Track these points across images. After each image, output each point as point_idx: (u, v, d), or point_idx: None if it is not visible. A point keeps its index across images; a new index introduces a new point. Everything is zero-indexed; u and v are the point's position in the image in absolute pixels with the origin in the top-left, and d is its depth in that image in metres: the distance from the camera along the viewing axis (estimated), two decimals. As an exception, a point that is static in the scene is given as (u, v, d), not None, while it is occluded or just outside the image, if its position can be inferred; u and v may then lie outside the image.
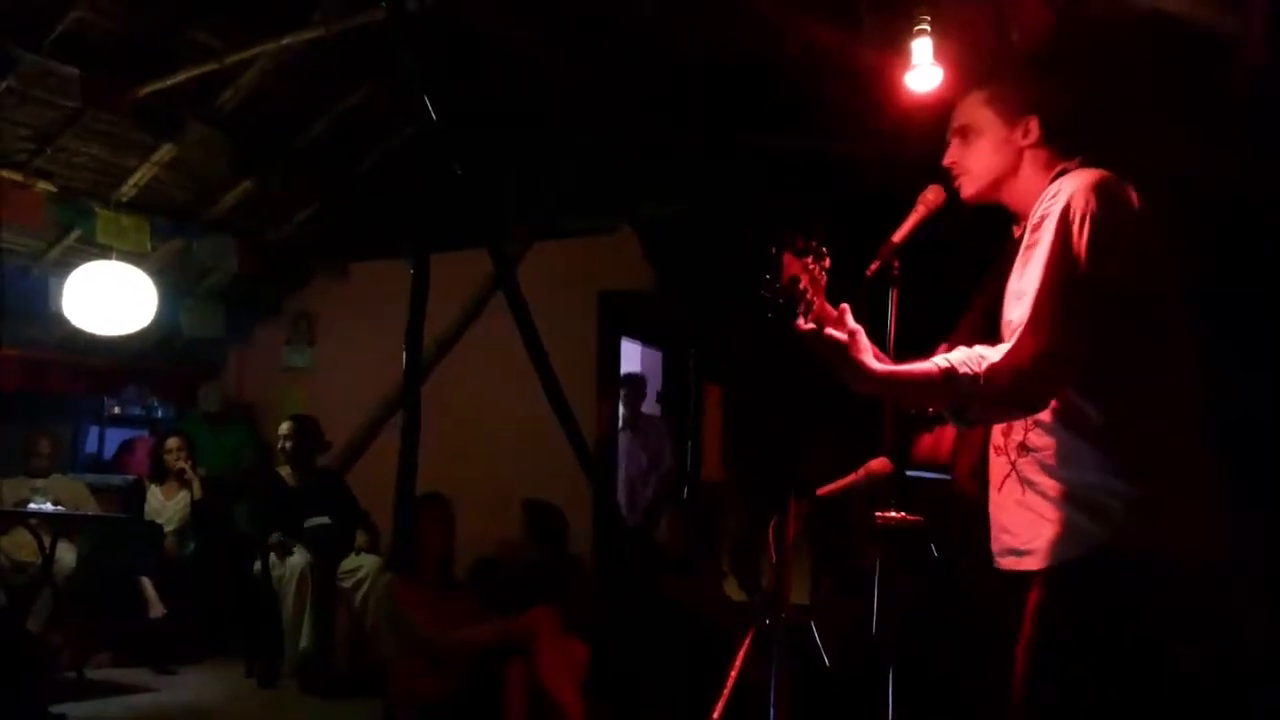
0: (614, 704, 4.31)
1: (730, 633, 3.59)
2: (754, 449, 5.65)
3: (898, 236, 2.19)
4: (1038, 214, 1.87)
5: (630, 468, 6.65)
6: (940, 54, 3.49)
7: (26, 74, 4.93)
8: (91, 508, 6.08)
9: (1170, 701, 1.76)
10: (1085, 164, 1.95)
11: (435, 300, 5.01)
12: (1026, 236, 1.88)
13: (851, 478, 2.62)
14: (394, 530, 4.80)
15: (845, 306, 1.85)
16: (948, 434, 2.26)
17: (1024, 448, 1.88)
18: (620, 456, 6.64)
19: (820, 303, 1.87)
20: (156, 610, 5.73)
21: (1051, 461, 1.84)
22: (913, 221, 2.21)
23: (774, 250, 1.82)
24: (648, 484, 6.59)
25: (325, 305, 7.36)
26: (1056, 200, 1.83)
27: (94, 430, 7.81)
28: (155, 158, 5.77)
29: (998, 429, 1.96)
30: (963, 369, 1.84)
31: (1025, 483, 1.87)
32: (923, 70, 3.50)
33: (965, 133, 2.06)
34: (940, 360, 1.87)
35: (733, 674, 2.57)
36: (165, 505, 6.26)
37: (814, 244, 1.87)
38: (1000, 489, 1.93)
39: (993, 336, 1.98)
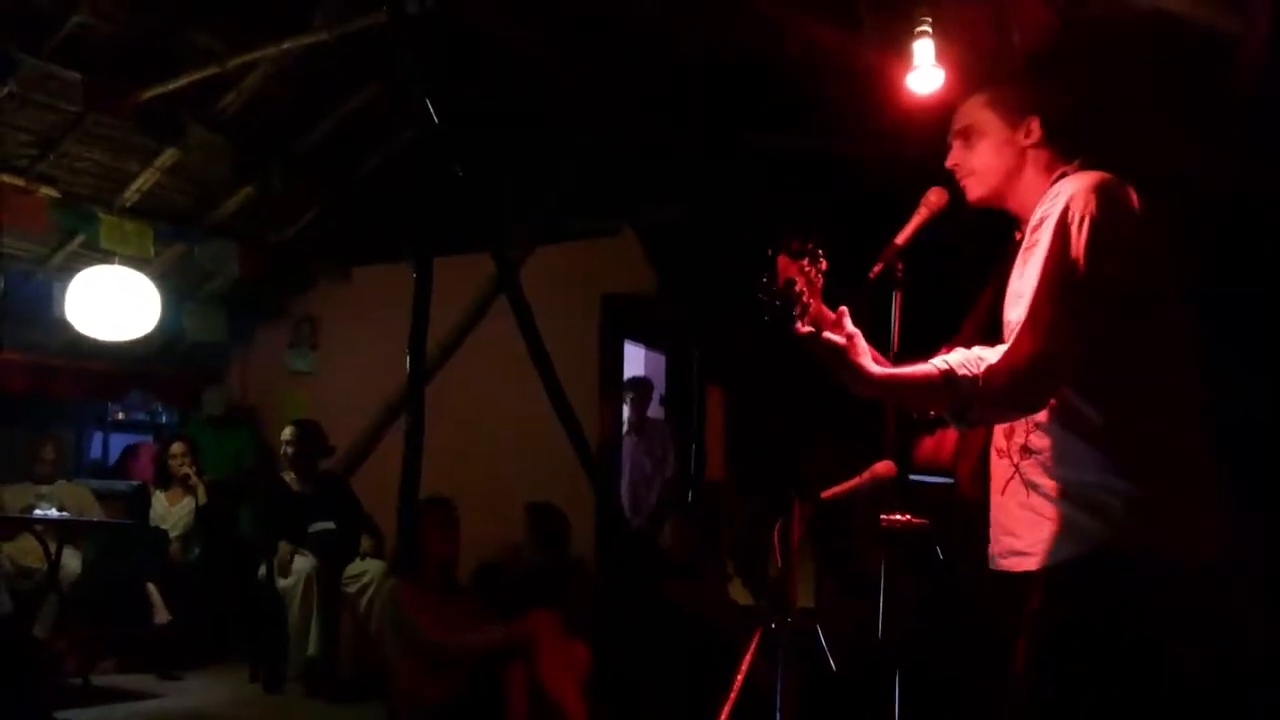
0: (616, 707, 4.31)
1: (733, 636, 3.59)
2: (756, 451, 5.65)
3: (900, 239, 2.19)
4: (1038, 216, 1.87)
5: (634, 471, 6.65)
6: (941, 55, 3.48)
7: (28, 78, 4.94)
8: (96, 513, 6.08)
9: (1170, 701, 1.76)
10: (1085, 166, 1.95)
11: (438, 304, 5.02)
12: (1026, 238, 1.88)
13: (856, 481, 2.62)
14: (398, 534, 4.80)
15: (844, 309, 1.85)
16: (949, 437, 2.26)
17: (1026, 450, 1.88)
18: (625, 459, 6.64)
19: (817, 305, 1.87)
20: (161, 616, 5.73)
21: (1052, 462, 1.84)
22: (915, 224, 2.21)
23: (770, 253, 1.82)
24: (651, 488, 6.59)
25: (328, 309, 7.37)
26: (1056, 202, 1.83)
27: (98, 435, 7.82)
28: (157, 162, 5.78)
29: (1000, 432, 1.96)
30: (961, 371, 1.85)
31: (1028, 485, 1.87)
32: (924, 71, 3.50)
33: (967, 135, 2.06)
34: (939, 362, 1.87)
35: (739, 677, 2.57)
36: (170, 511, 6.26)
37: (810, 246, 1.87)
38: (1003, 492, 1.93)
39: (995, 338, 1.98)
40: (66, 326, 5.88)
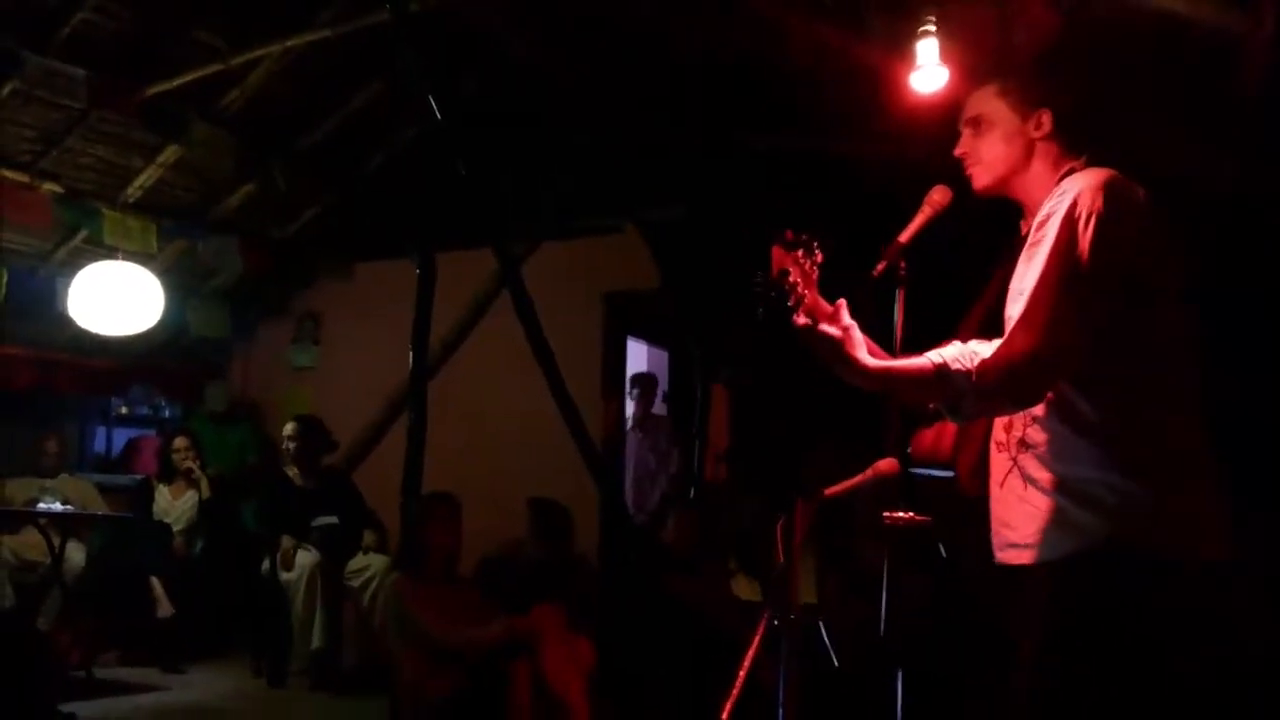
0: (619, 702, 4.32)
1: (736, 632, 3.60)
2: (759, 448, 5.66)
3: (904, 237, 2.20)
4: (1044, 212, 1.87)
5: (639, 467, 6.67)
6: (945, 55, 3.49)
7: (33, 75, 4.96)
8: (100, 507, 6.10)
9: (1171, 699, 1.76)
10: (1092, 162, 1.95)
11: (441, 300, 5.04)
12: (1032, 234, 1.89)
13: (859, 478, 2.63)
14: (401, 529, 4.81)
15: (841, 302, 1.86)
16: (948, 431, 2.27)
17: (1024, 444, 1.89)
18: (629, 455, 6.65)
19: (813, 297, 1.87)
20: (165, 609, 5.75)
21: (1049, 457, 1.85)
22: (919, 222, 2.22)
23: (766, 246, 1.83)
24: (655, 484, 6.61)
25: (331, 305, 7.38)
26: (1063, 199, 1.84)
27: (101, 430, 7.83)
28: (161, 158, 5.79)
29: (999, 426, 1.97)
30: (955, 365, 1.86)
31: (1027, 479, 1.88)
32: (928, 71, 3.50)
33: (977, 123, 2.06)
34: (934, 356, 1.88)
35: (741, 673, 2.59)
36: (173, 505, 6.28)
37: (804, 238, 1.87)
38: (1002, 485, 1.94)
39: (996, 334, 1.99)
40: (70, 322, 5.90)
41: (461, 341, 6.61)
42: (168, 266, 6.42)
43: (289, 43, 5.00)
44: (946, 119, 2.17)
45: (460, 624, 4.19)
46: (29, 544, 5.58)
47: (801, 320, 1.76)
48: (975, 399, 1.83)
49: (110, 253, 5.93)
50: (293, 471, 6.04)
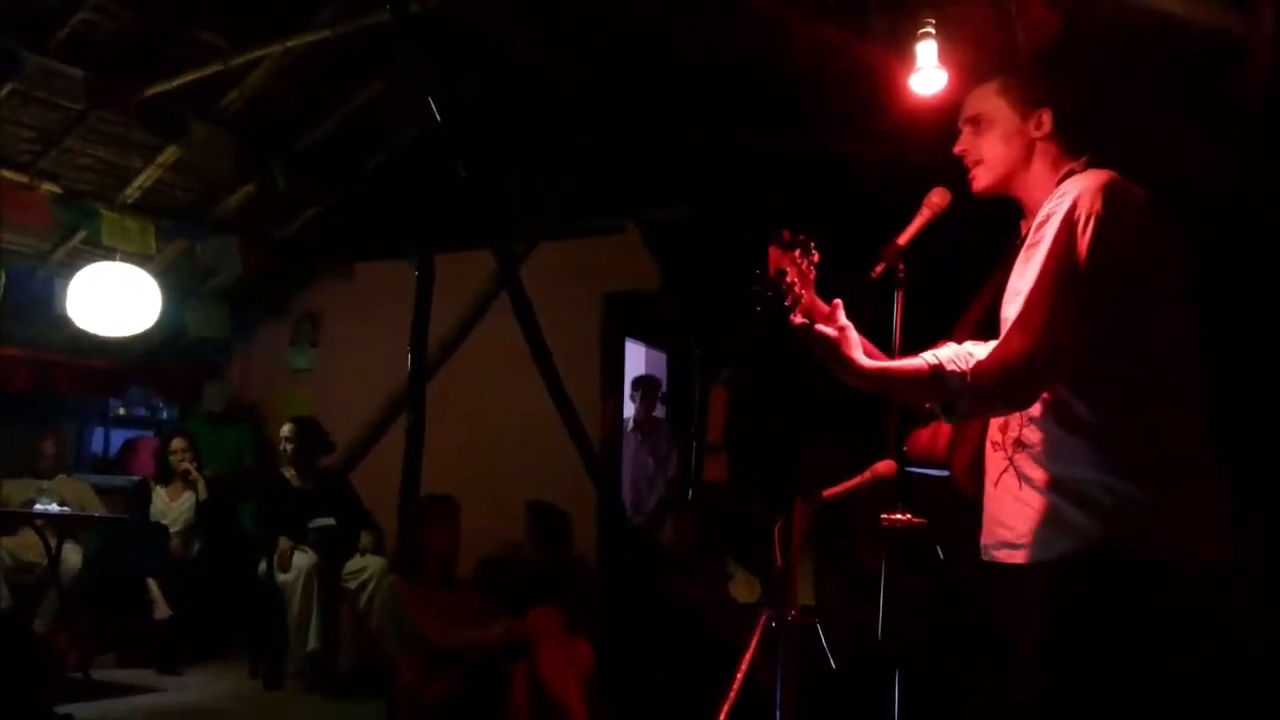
0: (618, 705, 4.32)
1: (734, 634, 3.59)
2: (758, 448, 5.66)
3: (903, 239, 2.20)
4: (1043, 213, 1.87)
5: (637, 469, 6.67)
6: (945, 56, 3.49)
7: (32, 75, 4.95)
8: (97, 509, 6.09)
9: (1169, 700, 1.76)
10: (1092, 163, 1.95)
11: (440, 300, 5.05)
12: (1030, 235, 1.88)
13: (857, 480, 2.63)
14: (399, 531, 4.81)
15: (838, 302, 1.86)
16: (944, 430, 2.26)
17: (1020, 444, 1.89)
18: (629, 457, 6.65)
19: (810, 297, 1.87)
20: (162, 611, 5.74)
21: (1045, 457, 1.85)
22: (918, 224, 2.21)
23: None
24: (653, 487, 6.60)
25: (329, 306, 7.37)
26: (1063, 200, 1.83)
27: (99, 431, 7.82)
28: (160, 159, 5.79)
29: (995, 426, 1.97)
30: (950, 366, 1.86)
31: (1022, 478, 1.88)
32: (927, 72, 3.50)
33: (977, 122, 2.06)
34: (929, 357, 1.88)
35: (739, 675, 2.58)
36: (170, 506, 6.27)
37: (801, 238, 1.87)
38: (997, 484, 1.94)
39: (993, 335, 1.99)
40: (68, 322, 5.89)
41: (460, 342, 6.61)
42: (166, 267, 6.42)
43: (289, 43, 5.00)
44: (947, 120, 2.17)
45: (458, 626, 4.18)
46: (26, 545, 5.57)
47: (798, 320, 1.76)
48: (970, 399, 1.83)
49: (108, 253, 5.93)
50: (290, 473, 6.03)
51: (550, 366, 4.73)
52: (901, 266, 2.20)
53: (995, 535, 1.94)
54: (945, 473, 2.18)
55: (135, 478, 6.69)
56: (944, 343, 1.99)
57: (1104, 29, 3.38)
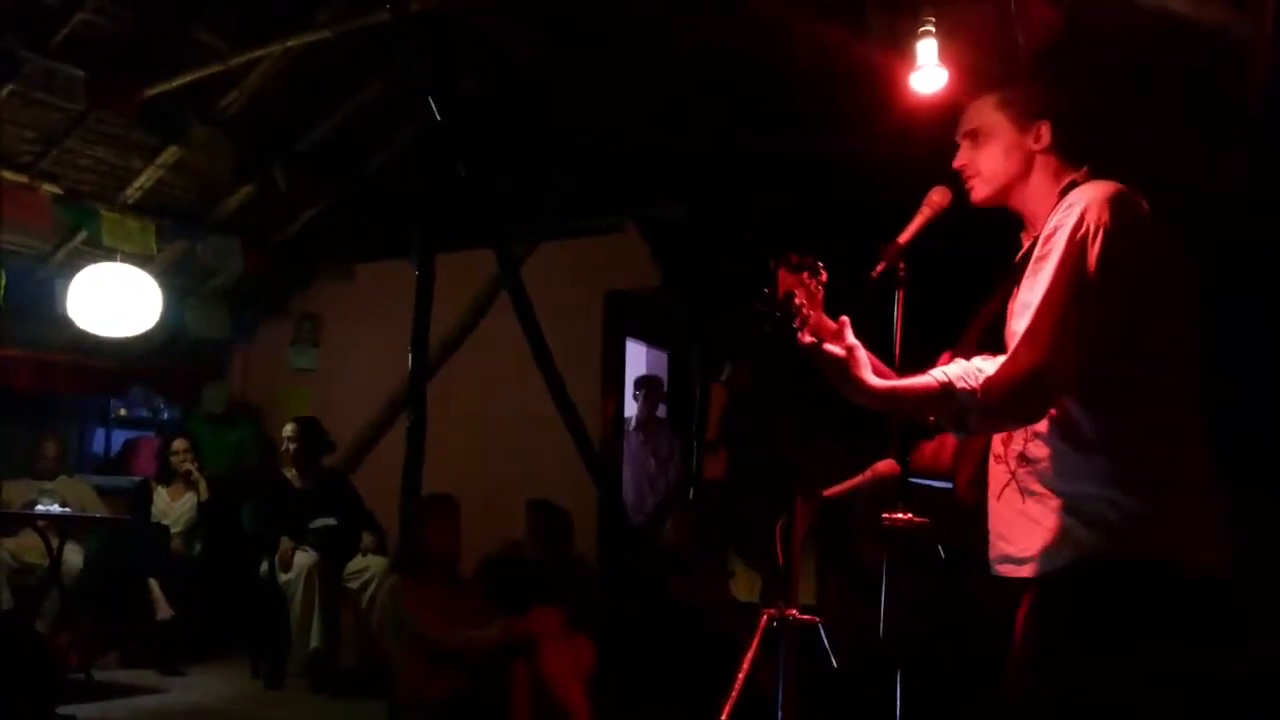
0: (619, 704, 4.32)
1: (734, 633, 3.59)
2: (755, 447, 5.66)
3: (903, 238, 2.19)
4: (1050, 225, 1.86)
5: (639, 469, 6.67)
6: (946, 55, 3.48)
7: (32, 76, 4.95)
8: (98, 509, 6.09)
9: (1169, 705, 1.76)
10: (1093, 173, 1.95)
11: (440, 300, 5.04)
12: (1038, 248, 1.87)
13: (858, 479, 2.62)
14: (400, 531, 4.81)
15: (845, 319, 1.86)
16: (949, 442, 2.26)
17: (1023, 458, 1.89)
18: (631, 456, 6.65)
19: (818, 316, 1.88)
20: (163, 611, 5.74)
21: (1050, 472, 1.85)
22: (918, 223, 2.21)
23: (770, 266, 1.83)
24: (655, 487, 6.60)
25: (330, 306, 7.37)
26: (1070, 213, 1.83)
27: (100, 432, 7.83)
28: (160, 159, 5.79)
29: (997, 439, 1.97)
30: (960, 384, 1.86)
31: (1024, 492, 1.88)
32: (927, 71, 3.50)
33: (976, 135, 2.05)
34: (939, 374, 1.88)
35: (740, 674, 2.58)
36: (172, 506, 6.28)
37: (810, 259, 1.88)
38: (999, 497, 1.94)
39: (998, 347, 1.99)
40: (68, 323, 5.89)
41: (461, 342, 6.61)
42: (166, 267, 6.42)
43: (288, 43, 5.00)
44: (948, 119, 2.16)
45: (459, 626, 4.18)
46: (27, 546, 5.57)
47: (807, 340, 1.77)
48: (980, 416, 1.84)
49: (109, 254, 5.92)
50: (291, 473, 6.03)
51: (551, 366, 4.74)
52: (902, 265, 2.20)
53: (998, 549, 1.94)
54: (948, 484, 2.18)
55: (136, 478, 6.69)
56: (947, 355, 1.99)
57: (1104, 28, 3.38)
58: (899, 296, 2.23)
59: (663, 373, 7.46)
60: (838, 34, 3.84)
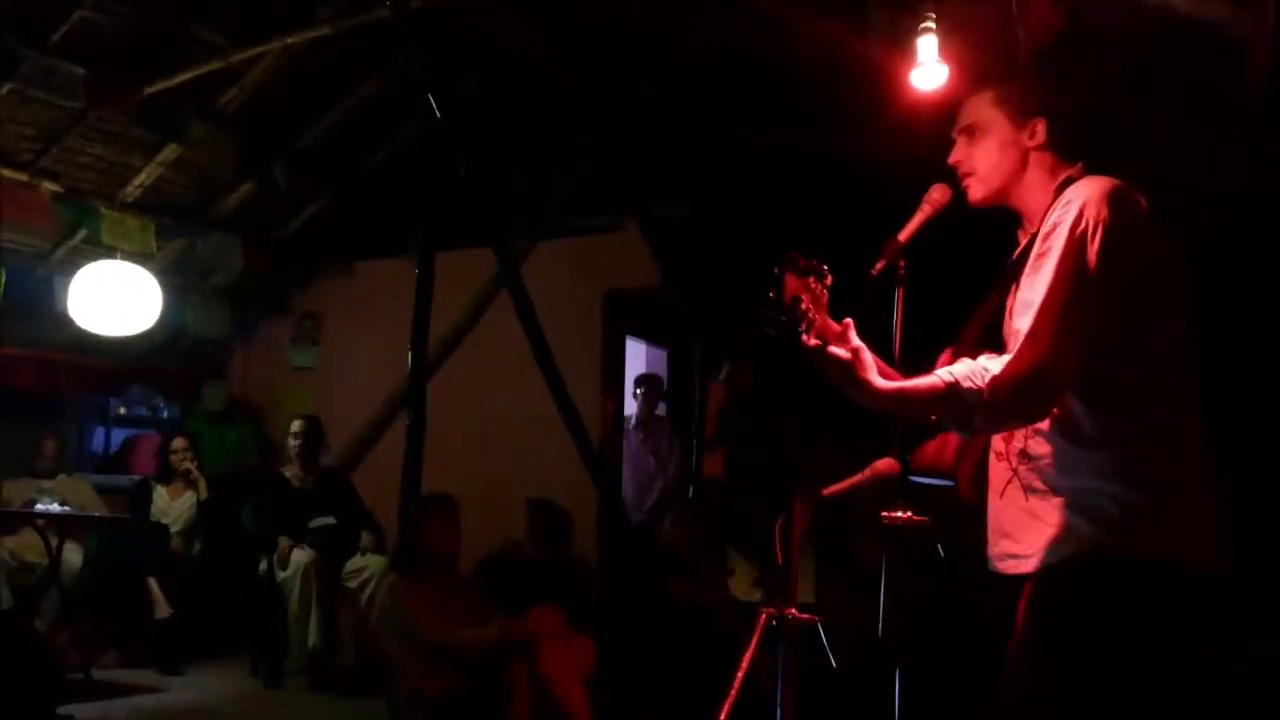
0: (619, 703, 4.31)
1: (735, 631, 3.58)
2: (754, 445, 5.65)
3: (904, 235, 2.18)
4: (1049, 222, 1.86)
5: (638, 467, 6.66)
6: (947, 52, 3.48)
7: (31, 74, 4.95)
8: (98, 508, 6.09)
9: (1169, 702, 1.76)
10: (1089, 170, 1.94)
11: (440, 299, 5.04)
12: (1037, 245, 1.87)
13: (857, 478, 2.62)
14: (399, 530, 4.80)
15: (849, 322, 1.86)
16: (951, 441, 2.26)
17: (1025, 455, 1.89)
18: (630, 454, 6.65)
19: (823, 320, 1.87)
20: (163, 610, 5.74)
21: (1051, 469, 1.85)
22: (918, 220, 2.20)
23: (776, 270, 1.83)
24: (654, 485, 6.60)
25: (330, 304, 7.37)
26: (1069, 209, 1.82)
27: (100, 430, 7.82)
28: (160, 157, 5.78)
29: (999, 437, 1.97)
30: (966, 383, 1.85)
31: (1027, 489, 1.87)
32: (928, 68, 3.49)
33: (971, 132, 2.05)
34: (944, 374, 1.88)
35: (740, 673, 2.58)
36: (171, 505, 6.27)
37: (815, 264, 1.88)
38: (1001, 495, 1.94)
39: (997, 345, 1.98)
40: (68, 321, 5.89)
41: (461, 341, 6.60)
42: (166, 266, 6.41)
43: (288, 40, 4.99)
44: (948, 115, 2.16)
45: (459, 625, 4.17)
46: (27, 545, 5.57)
47: (812, 342, 1.76)
48: (986, 415, 1.84)
49: (109, 252, 5.92)
50: (291, 471, 6.03)
51: (551, 364, 4.73)
52: (902, 263, 2.19)
53: (1000, 546, 1.94)
54: (950, 483, 2.18)
55: (136, 477, 6.69)
56: (948, 352, 1.99)
57: (1105, 27, 3.37)
58: (899, 294, 2.22)
59: (663, 371, 7.46)
60: (839, 31, 3.83)
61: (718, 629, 4.33)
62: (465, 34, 5.12)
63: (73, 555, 5.59)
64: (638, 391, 6.76)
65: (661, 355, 7.71)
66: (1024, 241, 2.00)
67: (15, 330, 6.16)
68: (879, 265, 2.15)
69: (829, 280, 1.90)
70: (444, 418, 5.06)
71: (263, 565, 5.69)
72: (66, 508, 5.69)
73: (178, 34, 5.08)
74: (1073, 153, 1.98)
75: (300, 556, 5.59)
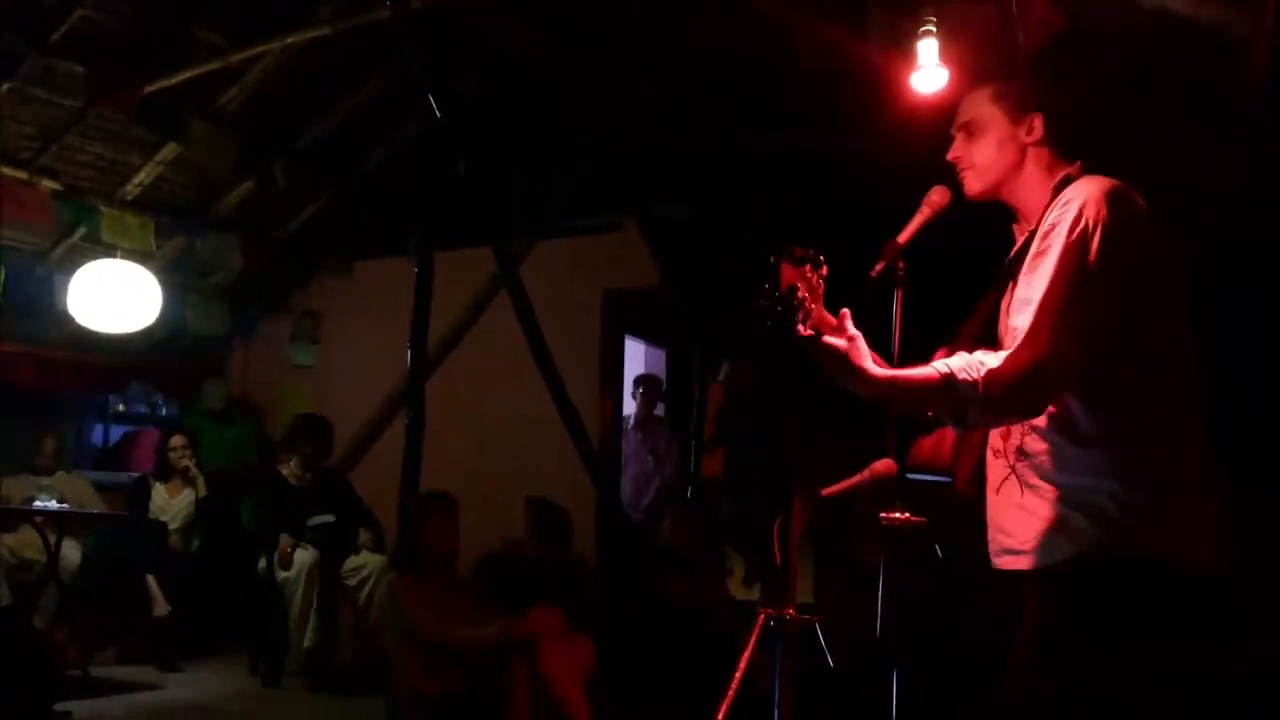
0: (618, 703, 4.32)
1: (734, 631, 3.59)
2: (752, 446, 5.66)
3: (902, 237, 2.19)
4: (1048, 221, 1.87)
5: (637, 467, 6.67)
6: (946, 55, 3.48)
7: (32, 72, 4.95)
8: (96, 506, 6.09)
9: (1169, 703, 1.76)
10: (1088, 169, 1.95)
11: (440, 298, 5.04)
12: (1036, 244, 1.88)
13: (856, 478, 2.63)
14: (398, 528, 4.81)
15: (845, 312, 1.86)
16: (948, 437, 2.26)
17: (1022, 452, 1.89)
18: (629, 455, 6.65)
19: (819, 310, 1.88)
20: (161, 608, 5.74)
21: (1048, 466, 1.85)
22: (917, 223, 2.21)
23: (772, 259, 1.83)
24: (652, 485, 6.61)
25: (330, 303, 7.37)
26: (1068, 209, 1.83)
27: (99, 428, 7.83)
28: (160, 156, 5.79)
29: (995, 433, 1.98)
30: (962, 375, 1.85)
31: (1024, 485, 1.88)
32: (928, 71, 3.50)
33: (970, 128, 2.06)
34: (940, 366, 1.88)
35: (738, 673, 2.58)
36: (170, 503, 6.27)
37: (811, 253, 1.88)
38: (998, 491, 1.95)
39: (993, 343, 1.99)
40: (68, 319, 5.89)
41: (460, 340, 6.61)
42: (166, 264, 6.41)
43: (289, 40, 4.99)
44: (948, 118, 2.16)
45: (458, 624, 4.17)
46: (26, 542, 5.57)
47: (807, 332, 1.77)
48: (981, 409, 1.83)
49: (109, 250, 5.92)
50: (289, 470, 6.03)
51: (550, 364, 4.73)
52: (901, 265, 2.20)
53: (998, 543, 1.94)
54: (947, 479, 2.18)
55: (135, 475, 6.70)
56: (944, 349, 1.99)
57: (1104, 28, 3.38)
58: (898, 296, 2.23)
59: (661, 371, 7.47)
60: (839, 33, 3.84)
61: (716, 629, 4.34)
62: (465, 35, 5.12)
63: (71, 552, 5.59)
64: (636, 392, 6.77)
65: (660, 355, 7.72)
66: (1020, 239, 2.01)
67: (15, 328, 6.16)
68: (878, 267, 2.16)
69: (825, 271, 1.90)
70: (443, 417, 5.06)
71: (261, 563, 5.69)
72: (65, 505, 5.69)
73: (178, 33, 5.08)
74: (1071, 152, 1.99)
75: (303, 556, 5.60)
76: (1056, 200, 1.90)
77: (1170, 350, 1.84)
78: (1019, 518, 1.88)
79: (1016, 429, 1.91)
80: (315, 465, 6.09)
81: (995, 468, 1.97)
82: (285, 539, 5.66)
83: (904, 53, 3.57)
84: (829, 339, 1.80)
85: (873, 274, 2.16)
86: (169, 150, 5.73)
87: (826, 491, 2.76)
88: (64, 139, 5.45)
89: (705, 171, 5.56)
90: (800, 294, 1.77)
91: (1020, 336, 1.82)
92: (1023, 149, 2.00)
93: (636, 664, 4.47)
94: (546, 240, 6.34)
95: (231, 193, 6.30)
